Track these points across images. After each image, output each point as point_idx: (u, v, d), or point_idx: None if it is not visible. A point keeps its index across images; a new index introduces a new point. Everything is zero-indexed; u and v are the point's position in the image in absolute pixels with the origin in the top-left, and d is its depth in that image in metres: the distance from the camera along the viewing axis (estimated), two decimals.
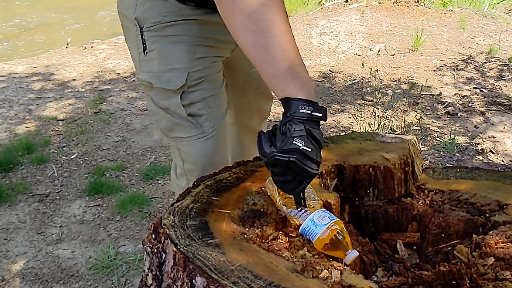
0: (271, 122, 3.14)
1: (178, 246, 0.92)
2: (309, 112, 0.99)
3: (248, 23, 1.02)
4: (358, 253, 0.97)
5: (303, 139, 0.98)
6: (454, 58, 4.27)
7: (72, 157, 3.03)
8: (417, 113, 3.39)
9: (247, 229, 1.00)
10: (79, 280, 2.12)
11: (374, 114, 3.37)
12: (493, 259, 0.95)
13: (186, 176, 1.48)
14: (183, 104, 1.36)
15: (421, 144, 3.02)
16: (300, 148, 0.97)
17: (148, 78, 1.38)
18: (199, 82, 1.36)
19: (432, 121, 3.31)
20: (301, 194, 1.02)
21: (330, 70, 4.12)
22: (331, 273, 0.88)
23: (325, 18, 5.18)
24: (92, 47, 4.91)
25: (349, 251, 0.96)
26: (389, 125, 3.21)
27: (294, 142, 0.97)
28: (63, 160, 3.00)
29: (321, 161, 1.01)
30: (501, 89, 3.72)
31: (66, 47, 5.00)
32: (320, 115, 1.00)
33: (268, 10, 1.01)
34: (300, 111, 0.99)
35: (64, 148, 3.12)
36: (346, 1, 5.66)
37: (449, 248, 1.10)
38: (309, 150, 0.98)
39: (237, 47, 1.44)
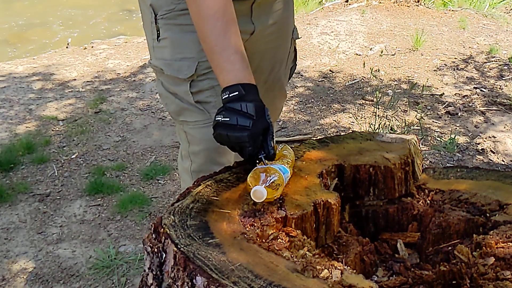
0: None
1: (179, 246, 0.92)
2: (227, 96, 1.19)
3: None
4: (262, 189, 1.04)
5: (221, 114, 1.18)
6: (455, 58, 4.27)
7: (72, 157, 3.03)
8: (418, 113, 3.39)
9: (247, 229, 1.00)
10: (80, 279, 2.12)
11: (374, 114, 3.37)
12: (494, 259, 0.95)
13: (190, 158, 1.54)
14: (191, 91, 1.42)
15: (422, 144, 3.02)
16: (220, 121, 1.17)
17: (160, 65, 1.44)
18: (208, 71, 1.40)
19: (433, 121, 3.31)
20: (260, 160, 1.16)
21: (330, 70, 4.12)
22: (331, 273, 0.88)
23: (325, 18, 5.18)
24: (92, 47, 4.91)
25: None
26: (389, 125, 3.21)
27: (216, 119, 1.19)
28: (64, 160, 3.00)
29: (248, 124, 1.15)
30: (502, 89, 3.72)
31: (67, 47, 5.00)
32: (236, 93, 1.19)
33: (202, 24, 1.26)
34: (222, 98, 1.21)
35: (65, 148, 3.12)
36: (347, 1, 5.66)
37: (450, 248, 1.10)
38: (228, 119, 1.16)
39: (249, 38, 1.48)
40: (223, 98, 1.21)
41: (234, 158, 1.58)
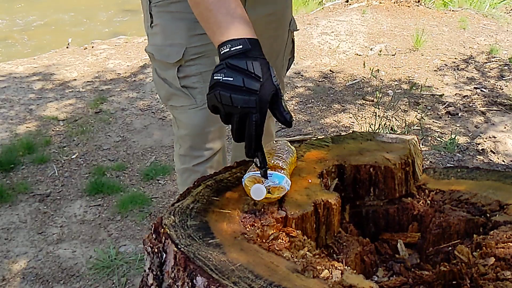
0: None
1: (179, 246, 0.92)
2: (228, 49, 1.04)
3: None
4: (262, 187, 1.01)
5: (222, 72, 1.02)
6: (455, 58, 4.27)
7: (72, 157, 3.03)
8: (418, 113, 3.39)
9: (247, 229, 1.00)
10: (80, 280, 2.12)
11: (374, 114, 3.37)
12: (494, 259, 0.95)
13: (179, 142, 1.59)
14: (178, 76, 1.46)
15: (422, 144, 3.02)
16: (221, 80, 1.01)
17: (152, 50, 1.50)
18: (197, 57, 1.44)
19: (433, 121, 3.31)
20: (260, 157, 1.06)
21: (330, 70, 4.12)
22: (331, 273, 0.88)
23: (325, 18, 5.18)
24: (92, 47, 4.91)
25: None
26: (389, 125, 3.21)
27: (214, 77, 1.03)
28: (64, 160, 3.00)
29: (256, 87, 1.01)
30: (502, 89, 3.72)
31: (67, 47, 5.00)
32: (240, 46, 1.04)
33: None
34: (221, 53, 1.06)
35: (65, 148, 3.12)
36: (347, 1, 5.66)
37: (450, 248, 1.10)
38: (231, 79, 1.01)
39: None
40: (222, 52, 1.05)
41: (219, 144, 1.60)
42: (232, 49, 1.04)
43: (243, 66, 1.02)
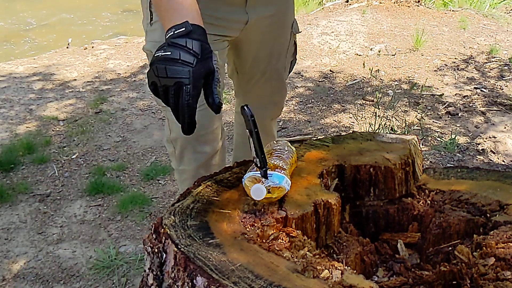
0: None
1: (179, 246, 0.92)
2: (172, 33, 1.09)
3: None
4: (262, 187, 1.02)
5: (162, 49, 1.07)
6: (455, 58, 4.26)
7: (72, 157, 3.03)
8: (418, 113, 3.39)
9: (247, 229, 1.00)
10: (80, 280, 2.12)
11: (374, 114, 3.37)
12: (494, 259, 0.95)
13: (173, 144, 1.58)
14: None
15: (422, 144, 3.02)
16: (160, 55, 1.06)
17: (150, 47, 1.48)
18: None
19: (433, 121, 3.31)
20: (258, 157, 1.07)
21: (330, 70, 4.12)
22: (332, 273, 0.88)
23: (325, 18, 5.18)
24: (92, 47, 4.91)
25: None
26: (389, 125, 3.21)
27: (155, 55, 1.07)
28: (64, 160, 3.00)
29: (191, 60, 1.05)
30: (502, 89, 3.72)
31: (67, 47, 5.00)
32: (183, 29, 1.09)
33: None
34: (166, 37, 1.11)
35: (65, 148, 3.12)
36: (347, 1, 5.66)
37: (450, 248, 1.10)
38: (169, 53, 1.05)
39: (245, 27, 1.48)
40: (167, 36, 1.11)
41: (215, 147, 1.59)
42: (175, 32, 1.09)
43: (183, 43, 1.07)
